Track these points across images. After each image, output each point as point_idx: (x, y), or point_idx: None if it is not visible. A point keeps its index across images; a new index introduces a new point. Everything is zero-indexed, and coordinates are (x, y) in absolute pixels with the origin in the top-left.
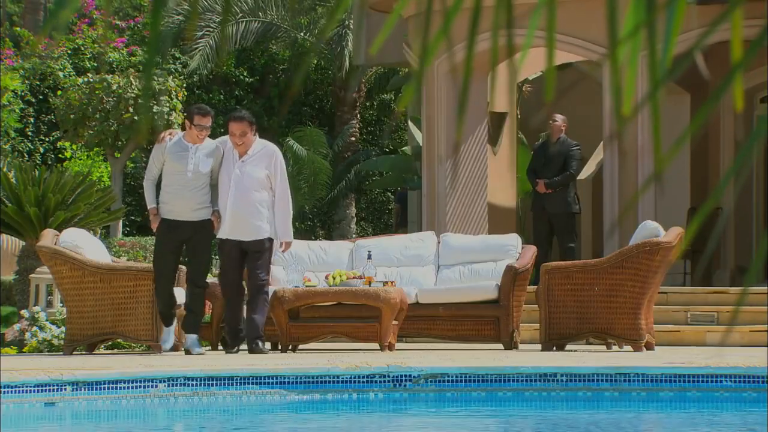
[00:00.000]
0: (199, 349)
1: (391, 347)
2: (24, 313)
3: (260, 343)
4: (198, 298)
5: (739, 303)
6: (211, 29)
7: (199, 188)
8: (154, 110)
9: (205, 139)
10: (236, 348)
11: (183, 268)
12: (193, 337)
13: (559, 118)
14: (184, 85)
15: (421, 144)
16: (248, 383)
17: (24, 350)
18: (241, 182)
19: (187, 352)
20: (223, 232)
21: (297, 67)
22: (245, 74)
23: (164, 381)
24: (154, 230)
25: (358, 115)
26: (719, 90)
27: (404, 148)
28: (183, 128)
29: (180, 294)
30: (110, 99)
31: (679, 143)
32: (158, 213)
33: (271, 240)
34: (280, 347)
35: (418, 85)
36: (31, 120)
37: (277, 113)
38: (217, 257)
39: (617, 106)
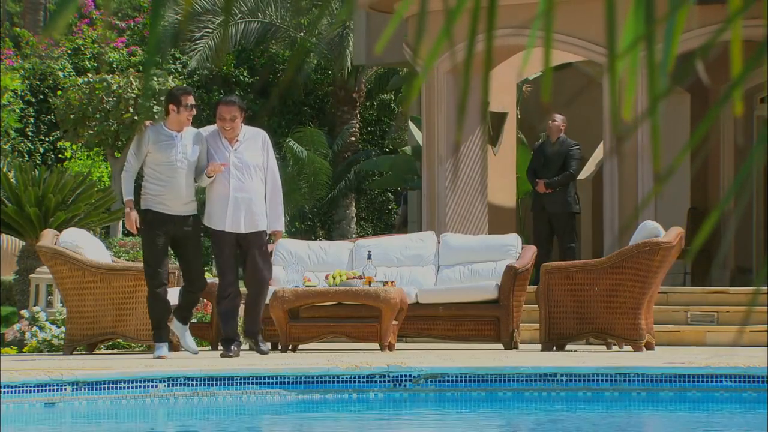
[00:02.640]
0: (191, 342)
1: (391, 347)
2: (24, 313)
3: (260, 343)
4: (195, 298)
5: (751, 303)
6: (210, 30)
7: (190, 180)
8: (154, 110)
9: (190, 123)
10: (235, 353)
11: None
12: (185, 327)
13: (559, 118)
14: (184, 85)
15: (421, 144)
16: (248, 383)
17: (24, 350)
18: (240, 170)
19: (172, 347)
20: (221, 224)
21: (295, 65)
22: (245, 74)
23: (164, 381)
24: (129, 225)
25: (358, 115)
26: (718, 105)
27: (404, 148)
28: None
29: (172, 295)
30: (110, 99)
31: (679, 158)
32: (134, 208)
33: (266, 233)
34: (280, 347)
35: (418, 89)
36: (31, 120)
37: (277, 112)
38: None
39: (615, 121)
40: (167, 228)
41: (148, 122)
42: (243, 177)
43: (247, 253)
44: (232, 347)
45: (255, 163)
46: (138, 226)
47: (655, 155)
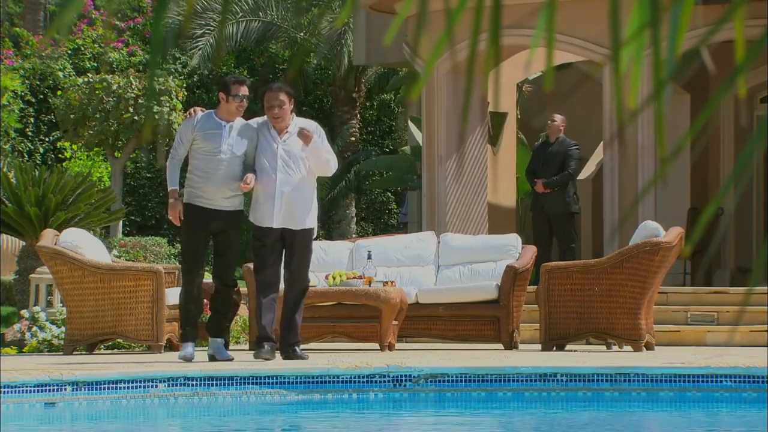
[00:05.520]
0: (227, 354)
1: (391, 347)
2: (24, 313)
3: (298, 349)
4: (226, 297)
5: (744, 303)
6: (212, 28)
7: (234, 173)
8: (155, 110)
9: (241, 114)
10: (272, 356)
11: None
12: (219, 341)
13: (558, 118)
14: (184, 85)
15: (421, 144)
16: (248, 383)
17: (24, 350)
18: (288, 162)
19: (212, 358)
20: (269, 220)
21: (297, 66)
22: (245, 74)
23: (164, 381)
24: (171, 215)
25: (358, 115)
26: (724, 87)
27: (404, 148)
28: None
29: (172, 296)
30: (110, 99)
31: (683, 143)
32: (180, 198)
33: (313, 231)
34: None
35: (419, 90)
36: (31, 120)
37: None
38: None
39: (619, 102)
40: (208, 224)
41: (199, 108)
42: (290, 170)
43: (292, 252)
44: (266, 346)
45: (304, 154)
46: (181, 217)
47: (660, 141)
